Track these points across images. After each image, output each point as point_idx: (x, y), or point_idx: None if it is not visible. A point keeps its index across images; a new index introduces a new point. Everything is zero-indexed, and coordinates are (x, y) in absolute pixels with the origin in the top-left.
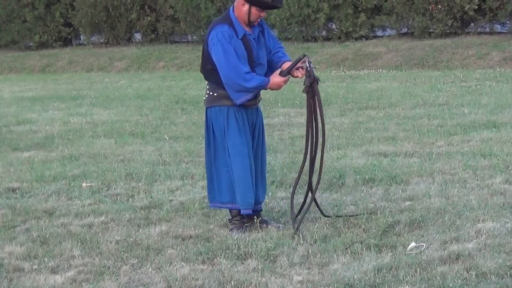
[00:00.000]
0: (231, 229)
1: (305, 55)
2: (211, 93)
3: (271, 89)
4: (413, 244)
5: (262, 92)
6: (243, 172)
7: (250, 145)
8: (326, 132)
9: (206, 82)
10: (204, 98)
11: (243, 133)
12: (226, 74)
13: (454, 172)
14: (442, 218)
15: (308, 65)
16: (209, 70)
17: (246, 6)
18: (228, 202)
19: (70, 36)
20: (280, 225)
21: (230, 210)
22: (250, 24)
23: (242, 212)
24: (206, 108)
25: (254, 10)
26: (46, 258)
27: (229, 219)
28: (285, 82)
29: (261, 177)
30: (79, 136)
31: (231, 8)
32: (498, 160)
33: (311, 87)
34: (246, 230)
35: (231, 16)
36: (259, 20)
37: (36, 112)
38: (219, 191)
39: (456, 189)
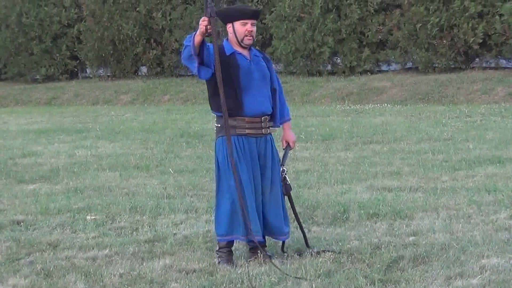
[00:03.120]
0: (219, 262)
1: None
2: (216, 124)
3: (201, 34)
4: None
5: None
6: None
7: (251, 175)
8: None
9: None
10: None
11: (242, 164)
12: (181, 53)
13: (458, 207)
14: (446, 253)
15: None
16: (210, 98)
17: (230, 27)
18: (223, 234)
19: (76, 69)
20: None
21: (219, 241)
22: (242, 44)
23: (219, 239)
24: (214, 140)
25: (237, 25)
26: None
27: (216, 250)
28: (204, 22)
29: (275, 208)
30: (84, 169)
31: None
32: (503, 195)
33: (209, 21)
34: (233, 263)
35: (223, 41)
36: (251, 39)
37: (41, 144)
38: (218, 223)
39: (460, 225)
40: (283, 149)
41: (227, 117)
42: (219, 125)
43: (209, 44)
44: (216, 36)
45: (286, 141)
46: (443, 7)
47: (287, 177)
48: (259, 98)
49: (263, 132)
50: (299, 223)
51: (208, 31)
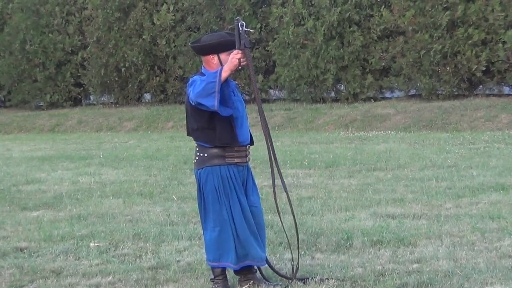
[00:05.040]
0: None
1: (237, 19)
2: (201, 154)
3: (231, 70)
4: None
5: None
6: (242, 229)
7: (244, 202)
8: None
9: (195, 143)
10: (194, 160)
11: (237, 191)
12: (195, 91)
13: (462, 234)
14: (450, 280)
15: (240, 29)
16: (197, 130)
17: (215, 58)
18: (214, 260)
19: (80, 96)
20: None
21: (213, 269)
22: None
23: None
24: (197, 169)
25: (223, 56)
26: None
27: (211, 279)
28: (237, 55)
29: (260, 233)
30: (87, 196)
31: (202, 66)
32: (507, 222)
33: (243, 52)
34: None
35: (205, 72)
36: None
37: (45, 171)
38: (207, 249)
39: (464, 252)
40: None
41: (272, 147)
42: (205, 155)
43: (231, 82)
44: (251, 66)
45: None
46: (447, 34)
47: None
48: (246, 129)
49: (247, 161)
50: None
51: (242, 63)
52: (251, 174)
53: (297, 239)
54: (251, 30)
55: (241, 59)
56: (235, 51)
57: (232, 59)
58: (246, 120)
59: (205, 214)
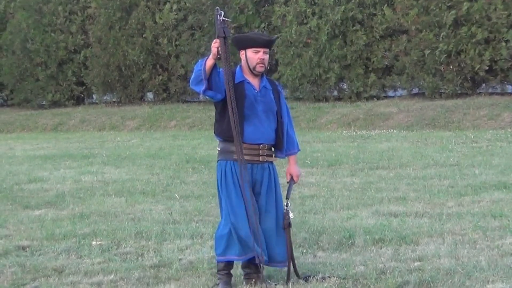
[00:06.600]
0: (217, 284)
1: (216, 8)
2: (217, 148)
3: (213, 58)
4: None
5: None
6: (234, 224)
7: (248, 199)
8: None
9: None
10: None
11: (236, 187)
12: (191, 79)
13: (464, 232)
14: (451, 279)
15: (217, 18)
16: (215, 122)
17: (243, 54)
18: (221, 254)
19: (82, 95)
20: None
21: (218, 263)
22: (254, 72)
23: (217, 259)
24: (216, 162)
25: (249, 53)
26: None
27: (216, 273)
28: (215, 44)
29: (275, 235)
30: (90, 195)
31: None
32: (509, 221)
33: (223, 41)
34: (231, 286)
35: (236, 68)
36: (263, 67)
37: (47, 170)
38: (215, 244)
39: (466, 250)
40: (287, 182)
41: (240, 140)
42: (218, 149)
43: (220, 69)
44: (225, 56)
45: (290, 174)
46: (451, 33)
47: (290, 212)
48: (260, 128)
49: (260, 160)
50: (292, 259)
51: (220, 52)
52: (272, 177)
53: None
54: (229, 20)
55: (218, 48)
56: (214, 40)
57: (212, 47)
58: (268, 123)
59: (220, 208)
